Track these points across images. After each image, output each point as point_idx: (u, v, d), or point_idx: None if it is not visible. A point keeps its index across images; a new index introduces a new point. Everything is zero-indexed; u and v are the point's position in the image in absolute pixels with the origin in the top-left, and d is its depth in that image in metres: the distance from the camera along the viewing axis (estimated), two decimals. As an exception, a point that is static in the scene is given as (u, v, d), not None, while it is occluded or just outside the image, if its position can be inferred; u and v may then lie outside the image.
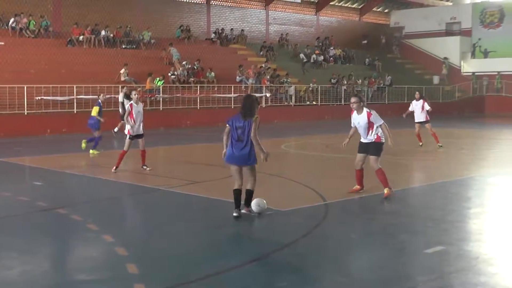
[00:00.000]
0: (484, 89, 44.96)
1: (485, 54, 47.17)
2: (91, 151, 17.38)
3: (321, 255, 7.37)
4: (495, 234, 8.53)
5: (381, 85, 40.70)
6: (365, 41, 48.38)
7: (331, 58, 43.23)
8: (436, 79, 46.24)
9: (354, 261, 7.17)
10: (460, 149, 20.07)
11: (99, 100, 18.27)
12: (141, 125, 14.08)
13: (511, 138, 23.90)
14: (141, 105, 14.26)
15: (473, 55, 47.85)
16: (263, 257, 7.23)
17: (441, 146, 18.99)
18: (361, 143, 10.96)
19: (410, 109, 19.78)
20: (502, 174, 14.24)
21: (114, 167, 13.91)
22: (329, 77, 38.07)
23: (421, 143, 19.29)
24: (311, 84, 35.82)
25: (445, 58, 47.86)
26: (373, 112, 10.78)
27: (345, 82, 38.23)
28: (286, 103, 34.20)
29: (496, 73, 44.17)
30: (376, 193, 11.58)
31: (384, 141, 10.80)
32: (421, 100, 19.44)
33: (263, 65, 35.95)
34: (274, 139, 23.43)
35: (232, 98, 31.19)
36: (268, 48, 39.89)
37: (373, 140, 10.71)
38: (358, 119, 10.80)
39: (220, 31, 39.86)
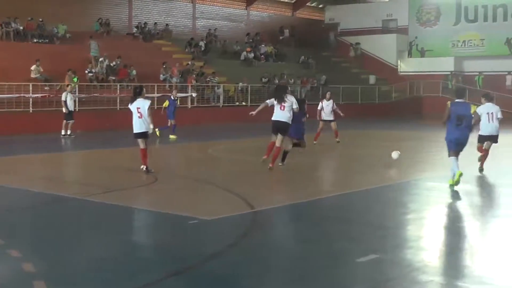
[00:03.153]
0: (421, 90, 46.07)
1: (422, 53, 48.41)
2: (170, 136, 23.38)
3: (250, 266, 7.40)
4: (429, 241, 8.76)
5: (315, 85, 41.18)
6: (282, 37, 48.57)
7: (262, 56, 43.46)
8: (372, 79, 47.17)
9: (284, 272, 7.22)
10: (401, 152, 20.52)
11: (172, 97, 24.58)
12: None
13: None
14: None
15: (410, 54, 49.04)
16: (187, 269, 7.21)
17: (339, 141, 21.67)
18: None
19: (319, 108, 22.19)
20: (438, 178, 14.64)
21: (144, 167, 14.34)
22: (260, 76, 38.28)
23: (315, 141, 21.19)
24: (240, 84, 35.93)
25: (357, 43, 49.62)
26: None
27: (277, 82, 38.49)
28: (214, 104, 34.20)
29: (477, 73, 44.96)
30: (309, 199, 11.75)
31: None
32: (331, 100, 22.18)
33: (189, 63, 35.87)
34: (201, 143, 23.44)
35: (156, 98, 30.93)
36: (195, 45, 39.79)
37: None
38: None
39: (142, 26, 39.51)
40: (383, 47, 48.83)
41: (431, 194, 12.76)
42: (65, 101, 24.35)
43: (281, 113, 14.56)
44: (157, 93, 31.12)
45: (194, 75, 34.55)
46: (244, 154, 19.70)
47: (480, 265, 7.35)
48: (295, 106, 14.54)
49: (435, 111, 43.28)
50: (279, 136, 14.67)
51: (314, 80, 41.71)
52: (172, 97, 24.78)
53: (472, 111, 12.93)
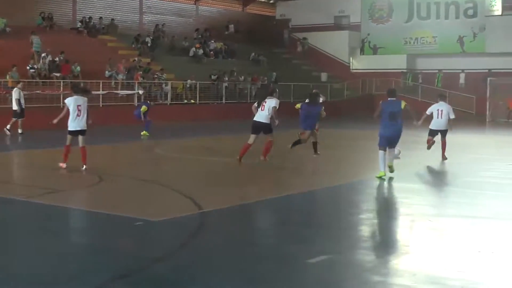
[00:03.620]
0: (373, 88, 46.50)
1: (374, 51, 48.97)
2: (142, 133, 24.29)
3: (196, 269, 7.37)
4: (381, 241, 8.88)
5: (265, 82, 41.24)
6: (227, 32, 48.35)
7: (212, 52, 43.37)
8: (324, 76, 47.49)
9: (232, 275, 7.21)
10: (351, 151, 20.76)
11: (148, 101, 26.41)
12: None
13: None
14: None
15: (362, 51, 49.56)
16: (132, 272, 7.15)
17: None
18: None
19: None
20: (392, 177, 14.86)
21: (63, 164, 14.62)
22: (209, 73, 38.18)
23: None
24: (189, 81, 35.80)
25: (304, 38, 50.15)
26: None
27: (227, 79, 38.48)
28: (161, 101, 33.96)
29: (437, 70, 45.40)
30: (258, 200, 11.78)
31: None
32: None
33: (136, 59, 35.58)
34: (148, 141, 23.26)
35: (101, 95, 30.61)
36: (142, 41, 39.47)
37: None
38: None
39: (87, 20, 39.03)
40: (335, 44, 49.15)
41: (384, 194, 12.93)
42: (19, 99, 24.19)
43: (260, 113, 15.94)
44: (103, 90, 30.80)
45: (141, 72, 34.28)
46: (192, 153, 19.64)
47: (431, 265, 7.47)
48: (273, 105, 15.80)
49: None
50: (268, 136, 16.13)
51: (265, 78, 41.79)
52: (148, 101, 26.58)
53: (402, 106, 13.94)
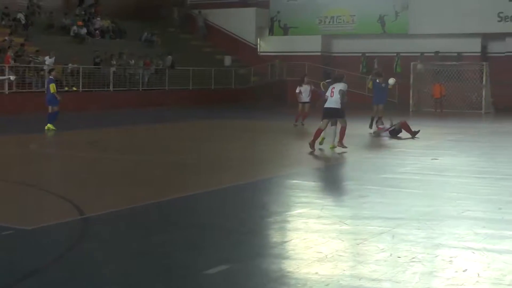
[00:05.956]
0: (284, 73, 46.87)
1: (285, 31, 49.30)
2: (47, 126, 23.24)
3: (75, 285, 7.29)
4: (290, 248, 8.97)
5: (160, 67, 41.05)
6: (81, 6, 46.90)
7: (97, 32, 42.82)
8: (227, 60, 47.53)
9: (117, 289, 7.19)
10: (261, 145, 20.92)
11: (51, 77, 24.68)
12: None
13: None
14: None
15: (272, 32, 49.82)
16: (-2, 290, 7.02)
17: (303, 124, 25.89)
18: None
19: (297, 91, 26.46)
20: (301, 175, 15.04)
21: None
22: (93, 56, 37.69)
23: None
24: (69, 65, 35.23)
25: (199, 10, 50.79)
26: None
27: (115, 63, 38.04)
28: (37, 89, 33.27)
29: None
30: (149, 202, 11.73)
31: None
32: (308, 85, 26.43)
33: (6, 39, 34.76)
34: (20, 135, 22.79)
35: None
36: (14, 18, 38.61)
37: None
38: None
39: None
40: (240, 23, 49.18)
41: (294, 194, 13.06)
42: None
43: (331, 99, 18.15)
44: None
45: (12, 54, 33.50)
46: (73, 149, 19.38)
47: (345, 274, 7.61)
48: (341, 88, 18.09)
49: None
50: (341, 121, 18.45)
51: (159, 62, 41.53)
52: (53, 77, 24.82)
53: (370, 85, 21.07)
